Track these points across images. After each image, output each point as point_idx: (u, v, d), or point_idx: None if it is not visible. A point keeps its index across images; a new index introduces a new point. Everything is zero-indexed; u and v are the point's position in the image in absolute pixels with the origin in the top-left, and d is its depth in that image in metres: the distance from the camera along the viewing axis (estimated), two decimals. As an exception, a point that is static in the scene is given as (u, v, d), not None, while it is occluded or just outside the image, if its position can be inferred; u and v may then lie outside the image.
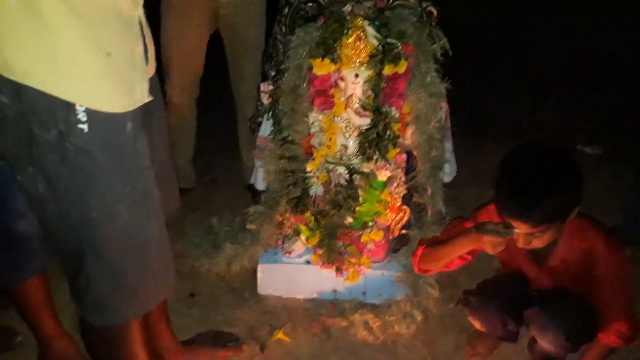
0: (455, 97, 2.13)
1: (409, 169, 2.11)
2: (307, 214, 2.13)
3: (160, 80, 1.46)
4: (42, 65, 1.07)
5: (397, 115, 2.03)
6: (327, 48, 2.02)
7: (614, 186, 2.90)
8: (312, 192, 2.13)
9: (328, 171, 2.12)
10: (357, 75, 2.01)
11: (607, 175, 3.08)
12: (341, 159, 2.10)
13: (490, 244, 1.59)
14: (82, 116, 1.10)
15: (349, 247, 2.15)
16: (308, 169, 2.13)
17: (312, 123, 2.12)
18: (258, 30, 2.43)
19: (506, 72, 4.23)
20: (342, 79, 2.04)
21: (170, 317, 1.82)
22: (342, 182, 2.09)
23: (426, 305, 2.05)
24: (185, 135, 2.81)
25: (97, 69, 1.11)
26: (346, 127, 2.09)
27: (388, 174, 2.05)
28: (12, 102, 1.11)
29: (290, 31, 2.13)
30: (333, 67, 2.03)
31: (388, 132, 2.01)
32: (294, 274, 2.21)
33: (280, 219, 2.19)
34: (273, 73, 2.22)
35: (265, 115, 2.22)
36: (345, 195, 2.07)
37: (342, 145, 2.10)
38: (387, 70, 1.98)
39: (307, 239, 2.17)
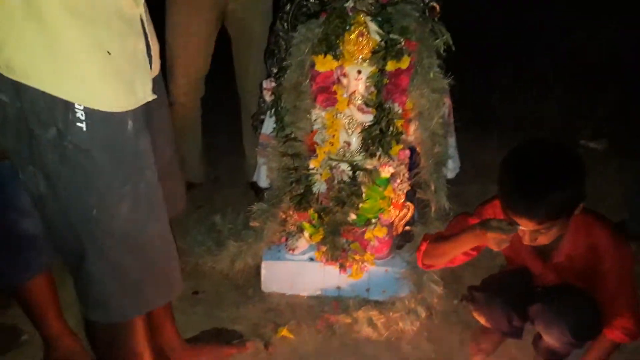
0: (458, 92, 2.12)
1: (412, 165, 2.11)
2: (311, 211, 2.12)
3: (164, 79, 1.46)
4: (42, 65, 1.07)
5: (400, 111, 2.03)
6: (330, 44, 2.01)
7: (618, 181, 2.89)
8: (315, 189, 2.13)
9: (331, 168, 2.12)
10: (359, 72, 2.01)
11: (612, 170, 3.07)
12: (344, 155, 2.09)
13: (494, 241, 1.58)
14: (80, 115, 1.10)
15: (353, 244, 2.15)
16: (311, 165, 2.13)
17: (315, 120, 2.12)
18: (265, 26, 2.43)
19: (509, 67, 4.21)
20: (344, 75, 2.04)
21: (174, 315, 1.82)
22: (345, 178, 2.09)
23: (430, 302, 2.04)
24: (192, 133, 2.81)
25: (97, 68, 1.11)
26: (349, 123, 2.08)
27: (391, 170, 2.04)
28: (13, 101, 1.11)
29: (293, 28, 2.13)
30: (335, 64, 2.03)
31: (391, 129, 2.01)
32: (297, 271, 2.21)
33: (284, 216, 2.19)
34: (275, 70, 2.21)
35: (268, 113, 2.22)
36: (348, 192, 2.07)
37: (345, 141, 2.09)
38: (390, 66, 1.98)
39: (310, 236, 2.17)
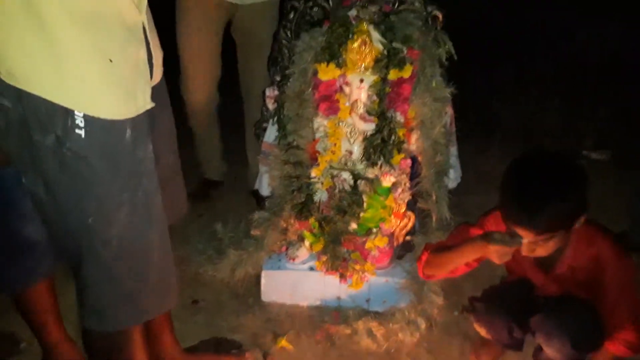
0: (460, 101, 2.12)
1: (414, 174, 2.10)
2: (312, 219, 2.12)
3: (171, 84, 1.46)
4: (43, 72, 1.07)
5: (402, 120, 2.02)
6: (333, 53, 2.01)
7: (620, 192, 2.87)
8: (316, 197, 2.13)
9: (332, 177, 2.11)
10: (362, 80, 2.01)
11: (614, 180, 3.06)
12: (346, 164, 2.09)
13: (496, 254, 1.58)
14: (79, 122, 1.10)
15: (353, 253, 2.14)
16: (313, 174, 2.12)
17: (317, 128, 2.12)
18: (271, 33, 2.44)
19: (511, 75, 4.21)
20: (347, 83, 2.03)
21: (173, 324, 1.81)
22: (347, 187, 2.08)
23: (430, 313, 2.03)
24: (209, 134, 2.85)
25: (98, 76, 1.11)
26: (351, 132, 2.08)
27: (393, 179, 2.03)
28: (15, 107, 1.11)
29: (296, 36, 2.14)
30: (338, 72, 2.03)
31: (393, 138, 2.00)
32: (297, 280, 2.20)
33: (285, 225, 2.19)
34: (278, 78, 2.21)
35: (270, 121, 2.22)
36: (349, 201, 2.06)
37: (346, 150, 2.09)
38: (392, 75, 1.98)
39: (311, 245, 2.16)
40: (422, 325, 2.00)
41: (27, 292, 1.68)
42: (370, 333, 2.01)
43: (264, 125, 2.32)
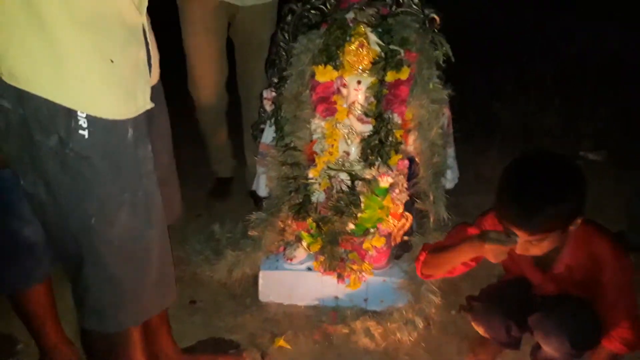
0: (457, 102, 2.13)
1: (411, 175, 2.11)
2: (309, 220, 2.12)
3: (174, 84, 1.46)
4: (45, 73, 1.08)
5: (399, 121, 2.03)
6: (330, 55, 2.02)
7: (617, 192, 2.89)
8: (314, 198, 2.13)
9: (330, 177, 2.12)
10: (359, 82, 2.02)
11: (611, 181, 3.07)
12: (343, 165, 2.10)
13: (492, 253, 1.59)
14: (82, 122, 1.10)
15: (351, 253, 2.15)
16: (310, 175, 2.13)
17: (315, 130, 2.13)
18: (270, 34, 2.46)
19: (510, 76, 4.22)
20: (344, 85, 2.04)
21: (171, 324, 1.81)
22: (344, 188, 2.09)
23: (428, 312, 2.03)
24: (218, 135, 2.88)
25: (99, 76, 1.11)
26: (348, 133, 2.09)
27: (390, 180, 2.04)
28: (16, 108, 1.12)
29: (293, 38, 2.15)
30: (335, 74, 2.04)
31: (390, 139, 2.01)
32: (295, 280, 2.20)
33: (282, 225, 2.19)
34: (276, 80, 2.22)
35: (268, 122, 2.23)
36: (347, 202, 2.07)
37: (344, 151, 2.10)
38: (390, 76, 1.98)
39: (308, 246, 2.16)
40: (420, 324, 2.01)
41: (25, 293, 1.68)
42: (368, 332, 2.02)
43: (262, 126, 2.32)
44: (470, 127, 2.92)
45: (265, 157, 2.21)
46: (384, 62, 1.98)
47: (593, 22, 4.66)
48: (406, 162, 2.08)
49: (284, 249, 2.25)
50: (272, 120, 2.17)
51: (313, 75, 2.06)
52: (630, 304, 1.64)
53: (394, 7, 2.07)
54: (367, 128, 2.04)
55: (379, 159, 2.02)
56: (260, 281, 2.22)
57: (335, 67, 2.03)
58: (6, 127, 1.15)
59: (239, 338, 2.05)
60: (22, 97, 1.09)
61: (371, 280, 2.16)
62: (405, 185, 2.09)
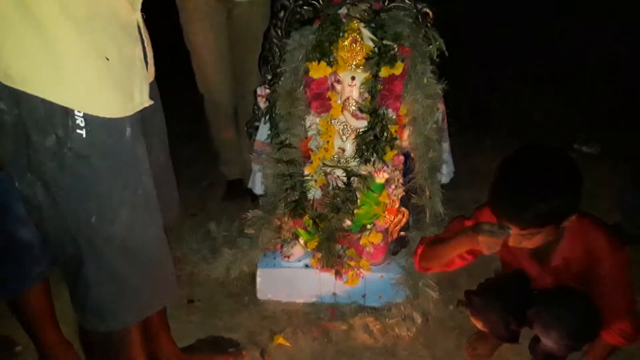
0: (451, 97, 2.13)
1: (407, 170, 2.11)
2: (306, 217, 2.12)
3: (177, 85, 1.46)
4: (41, 72, 1.07)
5: (394, 117, 2.03)
6: (323, 51, 2.02)
7: (611, 184, 2.90)
8: (310, 195, 2.13)
9: (326, 174, 2.11)
10: (353, 78, 2.01)
11: (605, 173, 3.08)
12: (339, 161, 2.09)
13: (485, 245, 1.60)
14: (80, 121, 1.10)
15: (348, 250, 2.15)
16: (306, 172, 2.13)
17: (309, 126, 2.12)
18: (264, 29, 2.46)
19: (503, 70, 4.23)
20: (338, 81, 2.04)
21: (169, 324, 1.81)
22: (340, 184, 2.09)
23: (426, 308, 2.04)
24: (228, 131, 2.85)
25: (95, 74, 1.11)
26: (343, 129, 2.08)
27: (386, 176, 2.04)
28: (11, 109, 1.11)
29: (286, 34, 2.14)
30: (329, 70, 2.04)
31: (385, 134, 2.01)
32: (293, 278, 2.20)
33: (279, 223, 2.19)
34: (269, 77, 2.22)
35: (262, 119, 2.22)
36: (343, 198, 2.07)
37: (339, 148, 2.09)
38: (384, 72, 1.98)
39: (305, 243, 2.16)
40: (418, 319, 2.02)
41: (22, 295, 1.68)
42: (366, 328, 2.02)
43: (256, 124, 2.32)
44: (464, 122, 2.92)
45: (260, 155, 2.21)
46: (378, 58, 1.98)
47: (588, 17, 4.68)
48: (401, 157, 2.08)
49: (281, 247, 2.25)
50: (267, 118, 2.16)
51: (307, 71, 2.05)
52: (628, 296, 1.65)
53: (386, 2, 2.06)
54: (362, 124, 2.04)
55: (375, 154, 2.02)
56: (258, 279, 2.22)
57: (329, 63, 2.03)
58: (1, 129, 1.14)
59: (237, 336, 2.05)
60: (18, 98, 1.08)
61: (369, 276, 2.16)
62: (401, 180, 2.09)
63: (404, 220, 2.19)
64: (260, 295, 2.23)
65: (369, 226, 2.12)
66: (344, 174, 2.08)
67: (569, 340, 1.64)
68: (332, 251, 2.11)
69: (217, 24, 2.55)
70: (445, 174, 2.18)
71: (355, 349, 1.99)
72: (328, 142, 2.10)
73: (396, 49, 1.98)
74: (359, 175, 2.06)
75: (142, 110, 1.21)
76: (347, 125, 2.08)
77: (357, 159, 2.06)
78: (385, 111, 2.01)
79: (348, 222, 2.11)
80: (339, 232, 2.11)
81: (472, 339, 1.99)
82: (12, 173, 1.21)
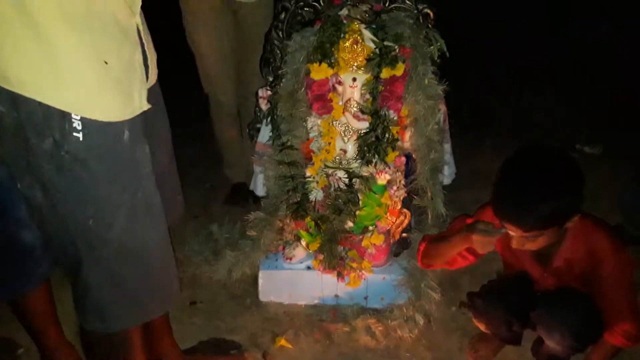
0: (454, 98, 2.12)
1: (409, 172, 2.11)
2: (308, 219, 2.12)
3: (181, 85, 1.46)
4: (39, 75, 1.07)
5: (395, 118, 2.03)
6: (325, 52, 2.01)
7: (613, 185, 2.89)
8: (312, 197, 2.13)
9: (327, 176, 2.11)
10: (354, 79, 2.01)
11: (607, 174, 3.08)
12: (340, 163, 2.09)
13: (479, 243, 1.61)
14: (77, 125, 1.10)
15: (350, 251, 2.14)
16: (307, 173, 2.13)
17: (311, 128, 2.12)
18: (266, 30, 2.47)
19: (505, 71, 4.23)
20: (339, 83, 2.04)
21: (171, 326, 1.81)
22: (342, 186, 2.08)
23: (428, 309, 2.03)
24: (232, 132, 2.86)
25: (94, 78, 1.11)
26: (345, 131, 2.08)
27: (388, 177, 2.04)
28: (10, 112, 1.11)
29: (287, 36, 2.14)
30: (331, 72, 2.03)
31: (387, 135, 2.01)
32: (295, 279, 2.20)
33: (281, 224, 2.19)
34: (271, 78, 2.22)
35: (264, 121, 2.22)
36: (345, 200, 2.07)
37: (341, 149, 2.09)
38: (385, 73, 1.98)
39: (307, 245, 2.16)
40: (421, 321, 2.01)
41: (24, 296, 1.68)
42: (369, 330, 2.02)
43: (257, 125, 2.32)
44: (465, 122, 2.92)
45: (261, 157, 2.20)
46: (379, 59, 1.98)
47: (588, 16, 4.66)
48: (403, 158, 2.08)
49: (283, 249, 2.25)
50: (268, 119, 2.16)
51: (308, 73, 2.05)
52: (630, 297, 1.64)
53: (387, 3, 2.06)
54: (363, 125, 2.04)
55: (376, 156, 2.02)
56: (260, 281, 2.22)
57: (330, 65, 2.02)
58: (1, 131, 1.15)
59: (239, 338, 2.05)
60: (16, 101, 1.08)
61: (371, 278, 2.15)
62: (402, 182, 2.09)
63: (406, 221, 2.19)
64: (262, 297, 2.23)
65: (370, 228, 2.12)
66: (346, 176, 2.08)
67: (572, 342, 1.64)
68: (334, 253, 2.10)
69: (220, 26, 2.55)
70: (447, 175, 2.18)
71: (357, 350, 1.99)
72: (329, 143, 2.10)
73: (397, 50, 1.98)
74: (361, 177, 2.05)
75: (144, 112, 1.21)
76: (348, 127, 2.07)
77: (359, 161, 2.06)
78: (386, 112, 2.01)
79: (350, 224, 2.11)
80: (340, 233, 2.11)
81: (474, 340, 1.99)
82: (14, 174, 1.21)
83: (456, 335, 2.05)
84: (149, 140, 1.25)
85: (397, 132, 2.03)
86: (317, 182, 2.12)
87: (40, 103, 1.07)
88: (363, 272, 2.14)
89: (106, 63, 1.10)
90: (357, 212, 2.08)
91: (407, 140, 2.09)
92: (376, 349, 1.99)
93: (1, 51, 1.06)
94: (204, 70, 2.66)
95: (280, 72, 2.10)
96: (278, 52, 2.20)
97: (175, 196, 1.56)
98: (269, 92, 2.18)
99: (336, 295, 2.19)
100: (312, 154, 2.13)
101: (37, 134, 1.10)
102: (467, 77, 3.61)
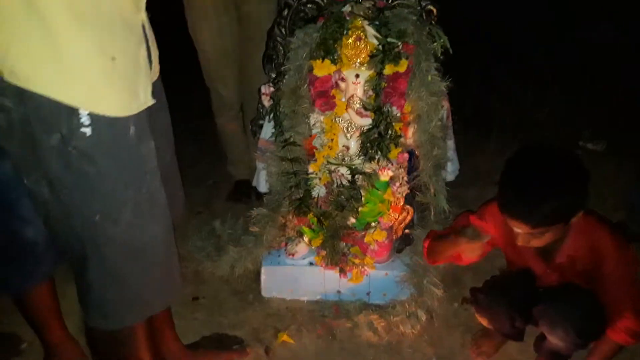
0: (456, 94, 2.12)
1: (411, 168, 2.11)
2: (310, 215, 2.12)
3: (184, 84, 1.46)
4: (46, 71, 1.07)
5: (398, 114, 2.03)
6: (327, 49, 2.01)
7: (616, 182, 2.89)
8: (314, 193, 2.13)
9: (330, 172, 2.11)
10: (357, 76, 2.01)
11: (610, 171, 3.07)
12: (343, 159, 2.09)
13: (465, 249, 1.68)
14: (85, 120, 1.10)
15: (353, 247, 2.15)
16: (310, 170, 2.13)
17: (314, 124, 2.12)
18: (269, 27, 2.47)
19: (508, 67, 4.22)
20: (342, 79, 2.04)
21: (174, 321, 1.82)
22: (345, 182, 2.09)
23: (431, 305, 2.04)
24: (235, 128, 2.85)
25: (101, 73, 1.11)
26: (348, 127, 2.08)
27: (390, 173, 2.04)
28: (17, 107, 1.12)
29: (290, 33, 2.14)
30: (333, 68, 2.03)
31: (390, 132, 2.01)
32: (297, 275, 2.20)
33: (283, 220, 2.19)
34: (273, 75, 2.22)
35: (267, 118, 2.22)
36: (347, 196, 2.07)
37: (344, 145, 2.09)
38: (388, 69, 1.98)
39: (310, 241, 2.17)
40: (423, 317, 2.01)
41: (28, 292, 1.69)
42: (371, 326, 2.02)
43: (260, 122, 2.32)
44: (468, 119, 2.92)
45: (264, 153, 2.21)
46: (382, 55, 1.97)
47: (591, 14, 4.66)
48: (406, 155, 2.08)
49: (286, 245, 2.25)
50: (271, 116, 2.16)
51: (311, 69, 2.05)
52: (634, 294, 1.64)
53: (390, 0, 2.06)
54: (366, 122, 2.04)
55: (379, 152, 2.02)
56: (263, 277, 2.22)
57: (333, 61, 2.02)
58: (8, 126, 1.15)
59: (242, 334, 2.05)
60: (23, 96, 1.09)
61: (373, 274, 2.16)
62: (405, 178, 2.09)
63: (409, 217, 2.19)
64: (265, 292, 2.23)
65: (373, 224, 2.13)
66: (349, 172, 2.08)
67: (574, 338, 1.64)
68: (336, 249, 2.11)
69: (223, 23, 2.55)
70: (450, 171, 2.18)
71: (360, 346, 2.00)
72: (332, 140, 2.10)
73: (400, 47, 1.98)
74: (364, 173, 2.06)
75: (148, 108, 1.21)
76: (351, 123, 2.08)
77: (362, 157, 2.06)
78: (389, 109, 2.01)
79: (352, 220, 2.11)
80: (343, 229, 2.11)
81: (476, 336, 1.99)
82: (21, 169, 1.22)
83: (458, 331, 2.05)
84: (153, 136, 1.25)
85: (400, 129, 2.03)
86: (320, 179, 2.13)
87: (47, 98, 1.08)
88: (365, 268, 2.15)
89: (113, 59, 1.11)
90: (360, 209, 2.08)
91: (410, 136, 2.09)
92: (378, 344, 2.00)
93: (9, 47, 1.06)
94: (206, 66, 2.66)
95: (283, 68, 2.10)
96: (281, 48, 2.20)
97: (177, 193, 1.56)
98: (272, 89, 2.19)
99: (338, 291, 2.19)
100: (314, 150, 2.13)
101: (44, 129, 1.11)
102: (469, 74, 3.60)
